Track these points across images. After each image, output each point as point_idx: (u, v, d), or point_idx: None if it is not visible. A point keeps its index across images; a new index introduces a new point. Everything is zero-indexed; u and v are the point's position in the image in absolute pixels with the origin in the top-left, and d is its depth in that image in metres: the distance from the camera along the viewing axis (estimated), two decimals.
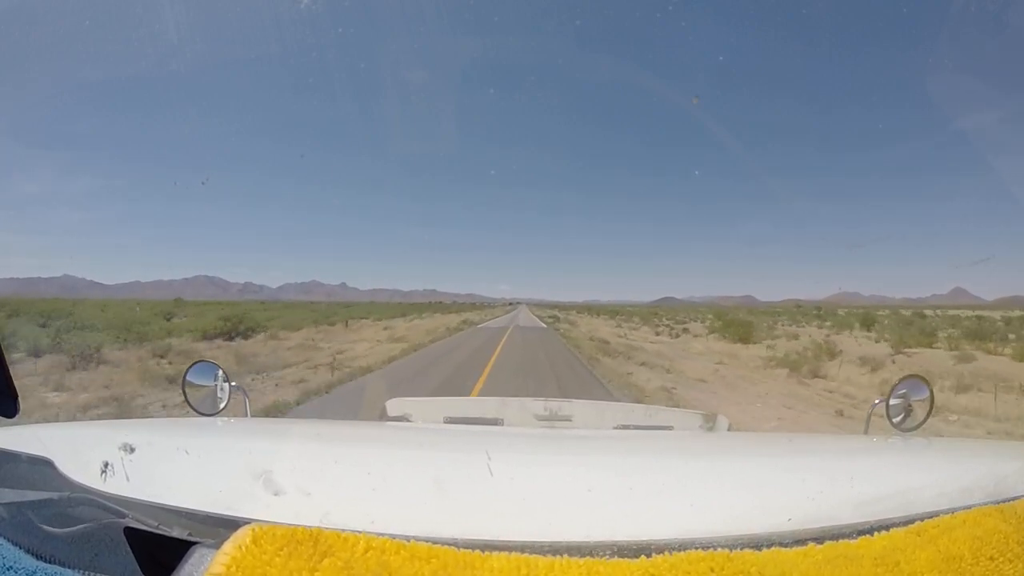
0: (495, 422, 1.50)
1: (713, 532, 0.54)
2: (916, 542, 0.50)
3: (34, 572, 0.50)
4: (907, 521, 0.54)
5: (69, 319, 16.19)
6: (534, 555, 0.46)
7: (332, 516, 0.55)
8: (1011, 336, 20.33)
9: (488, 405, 1.73)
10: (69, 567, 0.55)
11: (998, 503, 0.56)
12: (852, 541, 0.50)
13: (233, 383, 1.27)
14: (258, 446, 0.94)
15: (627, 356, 15.34)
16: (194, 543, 0.50)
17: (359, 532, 0.47)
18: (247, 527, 0.45)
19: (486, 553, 0.46)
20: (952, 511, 0.55)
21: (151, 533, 0.56)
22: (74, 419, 6.39)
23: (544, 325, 37.40)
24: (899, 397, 1.16)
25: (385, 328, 27.14)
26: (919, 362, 14.64)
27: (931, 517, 0.54)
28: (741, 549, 0.48)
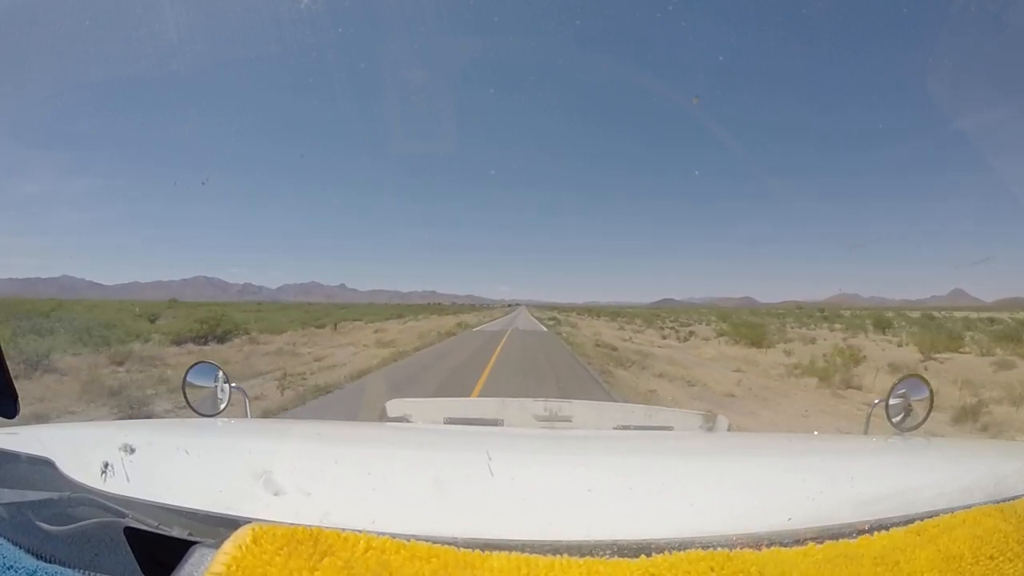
0: (495, 423, 1.50)
1: (713, 532, 0.54)
2: (916, 542, 0.50)
3: (34, 572, 0.49)
4: (907, 521, 0.54)
5: (34, 321, 15.11)
6: (534, 555, 0.46)
7: (332, 516, 0.55)
8: None
9: (488, 406, 1.73)
10: (69, 567, 0.55)
11: (998, 503, 0.56)
12: (852, 541, 0.50)
13: (234, 384, 1.27)
14: (258, 446, 0.94)
15: (640, 365, 13.80)
16: (194, 543, 0.50)
17: (359, 532, 0.47)
18: (247, 527, 0.45)
19: (486, 553, 0.46)
20: (952, 511, 0.55)
21: (151, 533, 0.56)
22: None
23: (545, 329, 34.76)
24: (899, 397, 1.17)
25: (376, 331, 25.99)
26: (955, 369, 13.31)
27: (931, 517, 0.54)
28: (741, 549, 0.48)
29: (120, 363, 11.73)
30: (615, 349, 17.99)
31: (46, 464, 0.68)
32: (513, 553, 0.46)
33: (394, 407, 1.59)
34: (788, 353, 17.65)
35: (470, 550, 0.46)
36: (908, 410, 1.15)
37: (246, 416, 1.29)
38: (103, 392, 8.29)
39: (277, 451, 0.88)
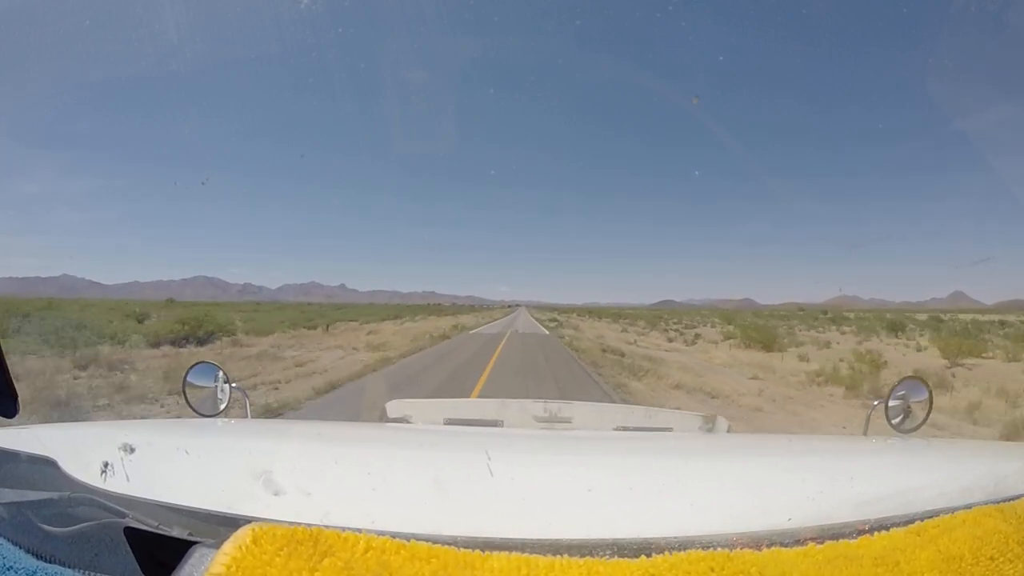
0: (495, 423, 1.50)
1: (713, 532, 0.54)
2: (916, 542, 0.50)
3: (34, 572, 0.49)
4: (907, 521, 0.54)
5: (6, 321, 14.47)
6: (534, 555, 0.46)
7: (332, 516, 0.55)
8: None
9: (488, 407, 1.73)
10: (69, 567, 0.55)
11: (998, 503, 0.56)
12: (852, 541, 0.50)
13: (234, 384, 1.28)
14: (258, 446, 0.94)
15: (655, 374, 12.48)
16: (194, 543, 0.50)
17: (359, 532, 0.47)
18: (247, 527, 0.45)
19: (486, 553, 0.46)
20: (952, 511, 0.55)
21: (151, 533, 0.56)
22: None
23: (546, 331, 32.07)
24: (898, 398, 1.17)
25: (369, 333, 24.89)
26: (985, 376, 12.31)
27: (931, 517, 0.54)
28: (741, 549, 0.48)
29: (84, 367, 10.88)
30: (623, 355, 16.64)
31: (46, 464, 0.68)
32: (513, 553, 0.46)
33: (394, 408, 1.59)
34: (803, 358, 16.87)
35: (470, 550, 0.46)
36: (908, 411, 1.15)
37: (246, 416, 1.29)
38: (47, 402, 7.39)
39: (277, 451, 0.88)
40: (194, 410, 1.23)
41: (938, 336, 22.29)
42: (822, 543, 0.50)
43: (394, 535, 0.47)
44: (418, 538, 0.47)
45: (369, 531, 0.48)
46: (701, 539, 0.52)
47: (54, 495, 0.65)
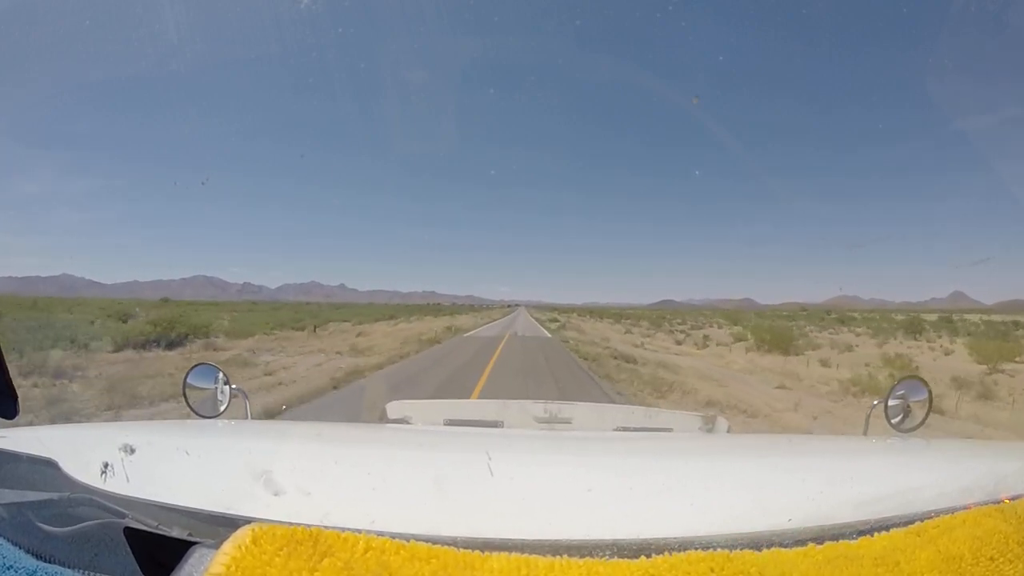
0: (495, 424, 1.50)
1: (713, 532, 0.54)
2: (916, 542, 0.50)
3: (34, 572, 0.49)
4: (907, 521, 0.54)
5: None
6: (534, 555, 0.46)
7: (332, 516, 0.55)
8: None
9: (488, 407, 1.73)
10: (69, 567, 0.55)
11: (998, 503, 0.56)
12: (852, 541, 0.50)
13: (234, 386, 1.28)
14: (258, 446, 0.94)
15: (679, 388, 10.65)
16: (194, 543, 0.50)
17: (359, 532, 0.47)
18: (247, 527, 0.45)
19: (486, 553, 0.46)
20: (952, 511, 0.55)
21: (151, 533, 0.56)
22: None
23: (548, 334, 29.47)
24: (898, 398, 1.17)
25: (359, 335, 23.28)
26: None
27: (931, 517, 0.54)
28: (741, 549, 0.48)
29: (27, 374, 9.80)
30: (635, 362, 14.93)
31: (46, 464, 0.68)
32: (513, 554, 0.46)
33: (394, 409, 1.59)
34: (825, 363, 15.73)
35: (470, 550, 0.46)
36: (907, 411, 1.15)
37: (246, 417, 1.29)
38: None
39: (277, 451, 0.88)
40: (194, 411, 1.23)
41: (960, 338, 21.41)
42: (822, 543, 0.50)
43: (394, 535, 0.47)
44: (418, 538, 0.47)
45: (369, 531, 0.48)
46: (701, 539, 0.52)
47: (54, 495, 0.65)
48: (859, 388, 10.97)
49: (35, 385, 9.35)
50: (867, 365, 13.66)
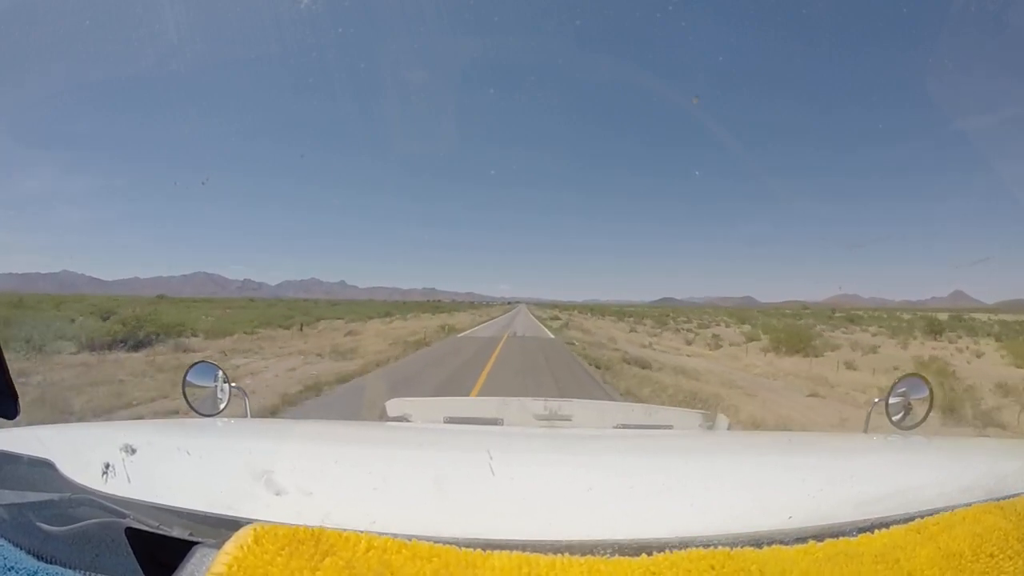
0: (495, 422, 1.50)
1: (713, 530, 0.54)
2: (916, 539, 0.50)
3: (35, 573, 0.50)
4: (907, 519, 0.54)
5: None
6: (535, 554, 0.46)
7: (333, 516, 0.55)
8: None
9: (488, 405, 1.73)
10: (70, 568, 0.55)
11: (998, 500, 0.56)
12: (852, 539, 0.50)
13: (234, 384, 1.28)
14: (259, 446, 0.94)
15: (708, 400, 9.19)
16: (195, 543, 0.50)
17: (360, 532, 0.47)
18: (249, 527, 0.45)
19: (487, 552, 0.46)
20: (952, 509, 0.55)
21: (152, 533, 0.56)
22: None
23: (550, 334, 26.47)
24: (899, 396, 1.17)
25: (347, 334, 21.81)
26: None
27: (931, 515, 0.54)
28: (741, 547, 0.48)
29: None
30: (649, 366, 13.42)
31: (47, 465, 0.68)
32: (514, 552, 0.46)
33: (394, 406, 1.59)
34: (851, 366, 14.72)
35: (471, 549, 0.46)
36: (908, 409, 1.15)
37: (246, 416, 1.29)
38: None
39: (278, 451, 0.88)
40: (194, 410, 1.23)
41: (982, 338, 20.31)
42: (823, 541, 0.50)
43: (395, 535, 0.47)
44: (419, 537, 0.47)
45: (370, 531, 0.48)
46: (702, 538, 0.52)
47: (55, 496, 0.65)
48: None
49: None
50: (896, 369, 12.60)
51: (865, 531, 0.52)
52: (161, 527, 0.56)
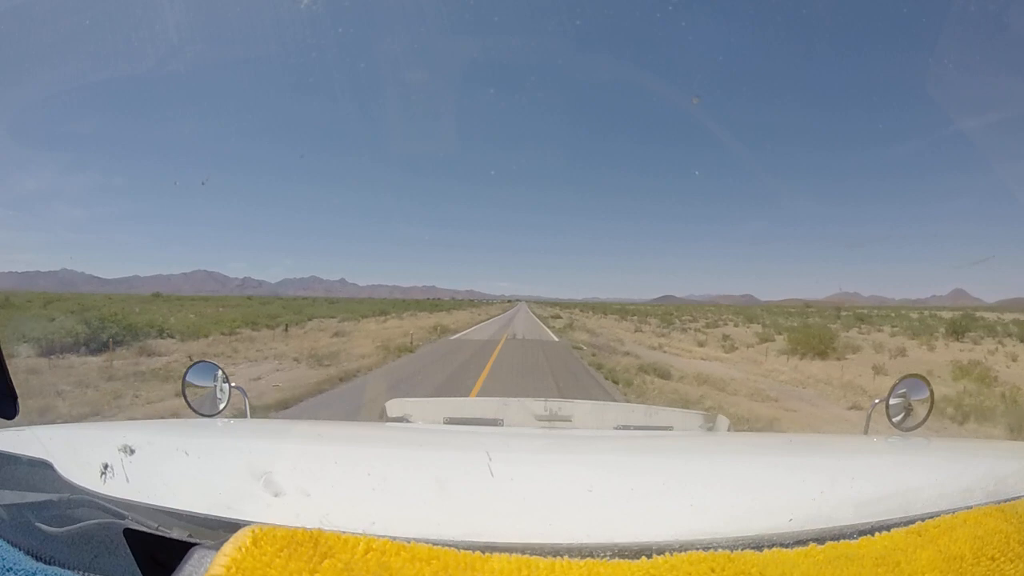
0: (495, 422, 1.50)
1: (714, 532, 0.54)
2: (917, 542, 0.50)
3: (34, 573, 0.50)
4: (908, 521, 0.54)
5: None
6: (534, 556, 0.46)
7: (332, 517, 0.55)
8: None
9: (488, 405, 1.72)
10: (69, 568, 0.55)
11: (999, 503, 0.56)
12: (853, 541, 0.50)
13: (233, 384, 1.27)
14: (258, 447, 0.93)
15: (746, 416, 8.21)
16: (194, 544, 0.50)
17: (359, 533, 0.47)
18: (247, 528, 0.45)
19: (487, 554, 0.46)
20: (953, 511, 0.55)
21: (151, 534, 0.56)
22: None
23: (553, 336, 24.35)
24: (899, 397, 1.17)
25: (335, 334, 20.81)
26: None
27: (932, 517, 0.54)
28: (742, 550, 0.48)
29: None
30: (668, 376, 12.21)
31: (46, 466, 0.68)
32: (513, 554, 0.46)
33: (394, 407, 1.59)
34: (880, 371, 13.66)
35: (470, 551, 0.46)
36: (909, 410, 1.15)
37: (246, 416, 1.29)
38: None
39: (277, 452, 0.88)
40: (194, 410, 1.23)
41: (1008, 339, 18.85)
42: (823, 543, 0.50)
43: (394, 536, 0.47)
44: (419, 539, 0.47)
45: (369, 532, 0.48)
46: (702, 540, 0.51)
47: (54, 497, 0.65)
48: (955, 410, 8.41)
49: None
50: (931, 374, 10.01)
51: (865, 533, 0.52)
52: (160, 528, 0.56)
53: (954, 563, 0.48)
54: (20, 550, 0.56)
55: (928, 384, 1.18)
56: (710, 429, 1.51)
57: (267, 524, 0.46)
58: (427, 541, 0.47)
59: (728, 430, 1.52)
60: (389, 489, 0.65)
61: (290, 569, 0.42)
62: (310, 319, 28.98)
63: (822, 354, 17.31)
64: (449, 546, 0.47)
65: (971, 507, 0.56)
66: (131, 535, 0.57)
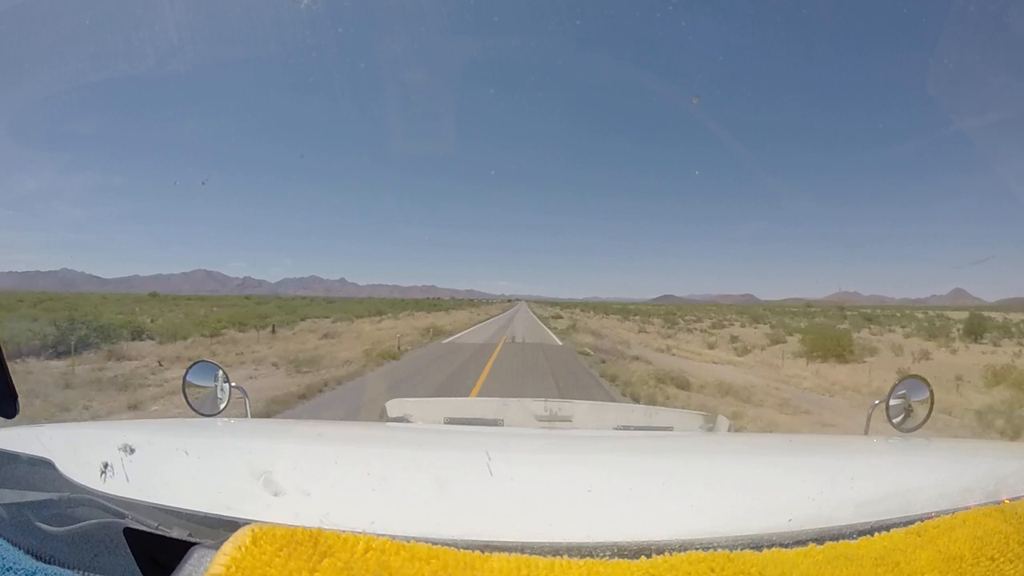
0: (495, 423, 1.50)
1: (713, 532, 0.54)
2: (916, 542, 0.50)
3: (34, 573, 0.50)
4: (907, 521, 0.54)
5: None
6: (534, 556, 0.46)
7: (332, 516, 0.55)
8: None
9: (488, 406, 1.73)
10: (69, 567, 0.55)
11: (999, 503, 0.56)
12: (852, 541, 0.50)
13: (234, 384, 1.27)
14: (258, 446, 0.93)
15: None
16: (194, 544, 0.50)
17: (359, 533, 0.47)
18: (247, 527, 0.45)
19: (486, 554, 0.46)
20: (952, 511, 0.55)
21: (151, 534, 0.56)
22: None
23: (556, 339, 22.63)
24: (899, 397, 1.17)
25: (324, 336, 19.92)
26: None
27: (931, 517, 0.54)
28: (741, 550, 0.48)
29: None
30: (687, 386, 11.16)
31: (46, 465, 0.68)
32: (513, 554, 0.46)
33: (394, 407, 1.59)
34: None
35: (470, 551, 0.46)
36: (908, 411, 1.15)
37: (246, 416, 1.29)
38: None
39: (277, 451, 0.88)
40: (194, 410, 1.23)
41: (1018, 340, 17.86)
42: (822, 543, 0.50)
43: (394, 536, 0.47)
44: (418, 539, 0.47)
45: (369, 532, 0.48)
46: (701, 540, 0.52)
47: (54, 496, 0.65)
48: (1006, 423, 7.69)
49: None
50: (960, 380, 10.99)
51: (865, 534, 0.52)
52: (160, 527, 0.56)
53: (954, 563, 0.48)
54: (20, 549, 0.56)
55: (928, 385, 1.18)
56: (710, 429, 1.51)
57: (267, 523, 0.46)
58: (427, 540, 0.47)
59: (728, 430, 1.52)
60: (389, 489, 0.65)
61: (290, 568, 0.42)
62: (303, 319, 28.43)
63: (840, 357, 16.59)
64: (449, 545, 0.47)
65: (971, 507, 0.56)
66: (131, 534, 0.57)
